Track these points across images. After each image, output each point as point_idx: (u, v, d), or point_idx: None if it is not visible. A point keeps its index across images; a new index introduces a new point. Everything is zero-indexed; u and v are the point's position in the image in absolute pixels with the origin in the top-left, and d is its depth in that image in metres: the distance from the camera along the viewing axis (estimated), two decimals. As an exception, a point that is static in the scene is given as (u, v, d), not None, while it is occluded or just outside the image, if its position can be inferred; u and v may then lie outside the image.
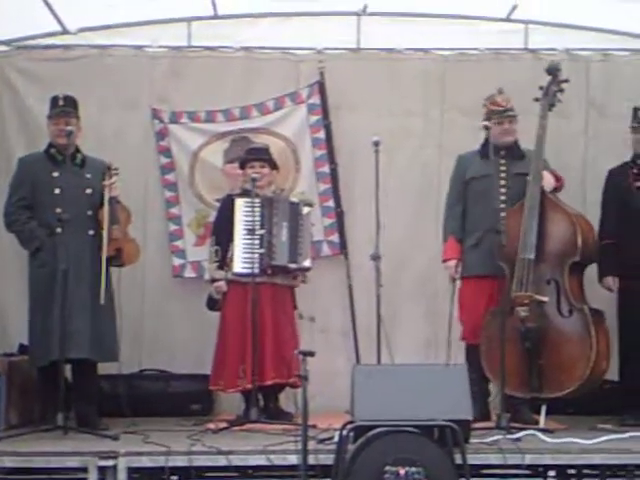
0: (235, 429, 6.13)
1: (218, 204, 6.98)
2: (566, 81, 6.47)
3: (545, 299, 6.21)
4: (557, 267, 6.28)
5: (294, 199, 6.86)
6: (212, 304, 6.72)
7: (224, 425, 6.18)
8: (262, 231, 6.52)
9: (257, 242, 6.50)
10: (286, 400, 6.70)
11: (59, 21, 7.30)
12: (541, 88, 6.49)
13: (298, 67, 7.58)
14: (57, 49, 7.51)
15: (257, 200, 6.58)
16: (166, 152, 7.45)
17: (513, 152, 6.54)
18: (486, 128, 6.50)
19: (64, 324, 6.05)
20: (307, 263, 6.70)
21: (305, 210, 6.76)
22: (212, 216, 7.17)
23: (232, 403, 6.71)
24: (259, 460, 5.42)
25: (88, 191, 6.39)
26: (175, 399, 6.91)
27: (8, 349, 6.84)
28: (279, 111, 7.48)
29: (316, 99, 7.47)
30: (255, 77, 7.52)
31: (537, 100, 6.48)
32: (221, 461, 5.39)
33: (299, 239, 6.65)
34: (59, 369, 6.02)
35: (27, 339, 6.46)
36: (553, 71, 6.48)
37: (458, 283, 6.59)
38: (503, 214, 6.34)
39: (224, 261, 6.60)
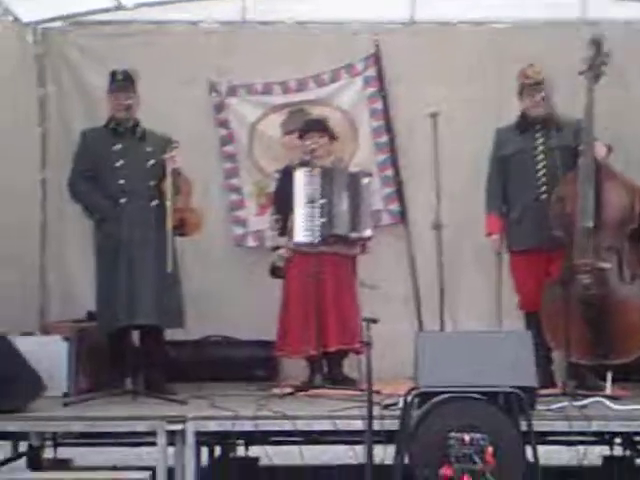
0: (300, 394, 6.17)
1: (277, 175, 7.01)
2: (608, 55, 6.40)
3: (608, 265, 6.18)
4: (617, 234, 6.25)
5: (354, 169, 6.89)
6: (275, 272, 6.76)
7: (289, 390, 6.22)
8: (323, 200, 6.56)
9: (318, 212, 6.55)
10: (350, 366, 6.73)
11: (115, -5, 7.34)
12: (584, 60, 6.44)
13: (353, 40, 7.60)
14: (113, 25, 7.58)
15: (317, 170, 6.61)
16: (225, 124, 7.50)
17: (549, 124, 6.49)
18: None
19: (131, 292, 6.15)
20: (368, 232, 6.73)
21: (365, 180, 6.78)
22: (272, 187, 7.20)
23: (296, 369, 6.77)
24: (325, 425, 5.45)
25: (150, 162, 6.43)
26: (240, 365, 6.98)
27: (76, 316, 6.94)
28: (335, 83, 7.52)
29: (372, 71, 7.49)
30: (310, 50, 7.56)
31: (581, 73, 6.43)
32: (287, 426, 5.43)
33: (359, 209, 6.69)
34: (127, 335, 6.13)
35: (94, 307, 6.54)
36: (597, 42, 6.43)
37: (505, 257, 6.58)
38: (544, 188, 6.36)
39: (285, 230, 6.65)
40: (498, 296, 6.58)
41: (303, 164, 6.70)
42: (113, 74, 6.59)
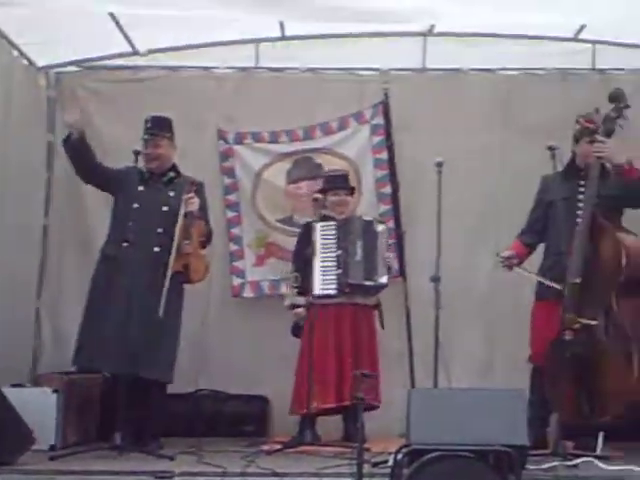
0: (289, 451, 6.13)
1: (280, 224, 7.17)
2: (627, 107, 6.33)
3: (593, 322, 6.11)
4: (605, 290, 6.16)
5: (368, 217, 6.95)
6: (297, 331, 6.74)
7: (278, 447, 6.19)
8: (339, 252, 6.65)
9: (334, 263, 6.64)
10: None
11: (130, 42, 7.41)
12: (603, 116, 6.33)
13: (363, 87, 7.63)
14: (126, 70, 7.67)
15: (332, 222, 6.74)
16: (230, 172, 7.54)
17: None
18: (550, 149, 6.40)
19: (125, 340, 6.09)
20: (384, 280, 6.78)
21: (380, 228, 6.84)
22: (272, 236, 7.33)
23: (286, 425, 6.71)
24: (313, 482, 5.42)
25: (164, 208, 6.41)
26: (229, 420, 6.94)
27: (68, 368, 6.89)
28: (343, 131, 7.53)
29: (380, 119, 7.49)
30: (320, 97, 7.59)
31: (595, 131, 6.34)
32: (274, 483, 5.40)
33: (374, 256, 6.75)
34: (118, 388, 6.06)
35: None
36: (615, 98, 6.36)
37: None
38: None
39: (304, 288, 6.65)
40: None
41: (323, 219, 6.80)
42: (145, 122, 6.56)
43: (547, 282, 6.22)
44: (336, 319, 6.68)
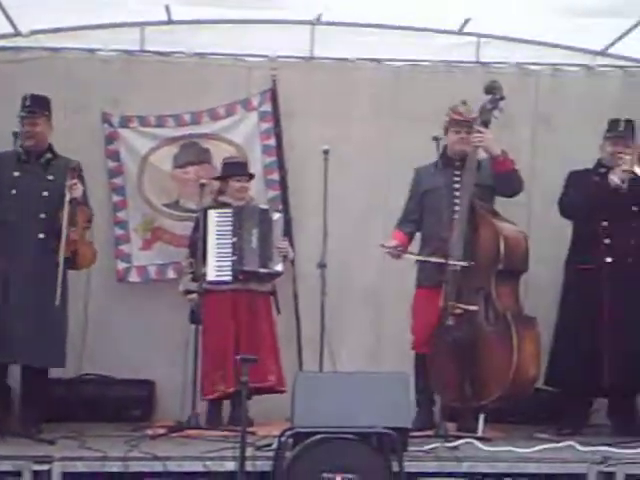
0: (174, 435, 6.09)
1: (166, 209, 7.09)
2: (503, 99, 6.49)
3: (473, 308, 6.25)
4: (485, 276, 6.31)
5: (264, 206, 6.96)
6: (194, 317, 6.65)
7: (162, 431, 6.15)
8: (234, 239, 6.65)
9: (229, 250, 6.62)
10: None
11: (12, 23, 7.24)
12: (480, 108, 6.52)
13: (250, 74, 7.59)
14: (7, 51, 7.46)
15: (228, 210, 6.72)
16: (114, 156, 7.41)
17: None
18: (435, 139, 6.51)
19: (10, 328, 6.02)
20: (279, 268, 6.80)
21: (275, 216, 6.85)
22: (159, 221, 7.25)
23: (172, 410, 6.64)
24: (196, 466, 5.37)
25: (45, 193, 6.30)
26: (115, 404, 6.85)
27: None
28: (230, 117, 7.48)
29: (267, 106, 7.47)
30: (207, 83, 7.52)
31: (473, 119, 6.52)
32: (157, 467, 5.34)
33: (269, 244, 6.76)
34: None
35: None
36: (490, 90, 6.52)
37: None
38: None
39: (198, 274, 6.61)
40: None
41: (219, 206, 6.79)
42: (23, 99, 6.45)
43: (441, 261, 6.30)
44: (233, 306, 6.68)
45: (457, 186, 6.47)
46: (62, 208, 6.16)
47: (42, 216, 6.27)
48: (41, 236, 6.24)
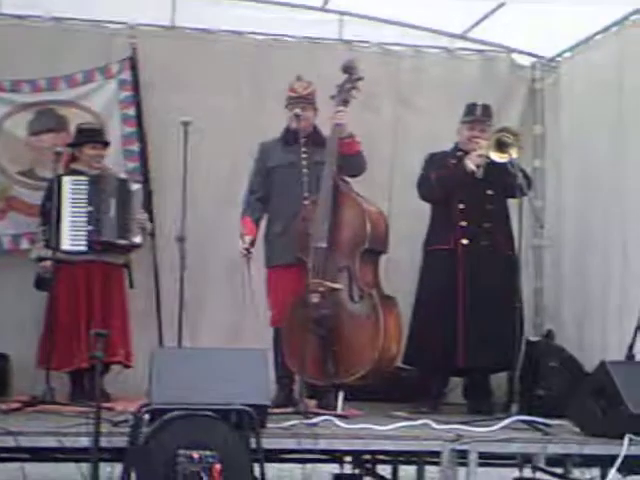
0: (28, 410, 5.92)
1: (20, 177, 6.87)
2: (360, 79, 6.53)
3: (338, 286, 6.29)
4: (349, 255, 6.37)
5: (122, 176, 6.81)
6: (41, 284, 6.51)
7: (16, 405, 5.97)
8: (90, 208, 6.50)
9: (85, 219, 6.48)
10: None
11: None
12: (337, 86, 6.54)
13: (110, 41, 7.43)
14: None
15: (84, 178, 6.55)
16: (-35, 121, 7.18)
17: (313, 139, 6.53)
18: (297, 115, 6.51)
19: None
20: (137, 239, 6.68)
21: (134, 187, 6.72)
22: (13, 190, 7.03)
23: (27, 384, 6.46)
24: (50, 442, 5.22)
25: None
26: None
27: None
28: (88, 85, 7.29)
29: (127, 75, 7.31)
30: (65, 49, 7.33)
31: (332, 97, 6.54)
32: (9, 442, 5.15)
33: (128, 215, 6.63)
34: None
35: None
36: (348, 69, 6.56)
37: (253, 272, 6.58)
38: (306, 202, 6.36)
39: (51, 241, 6.39)
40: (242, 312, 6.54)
41: (72, 173, 6.61)
42: None
43: None
44: (86, 277, 6.55)
45: (305, 163, 6.46)
46: None
47: None
48: None
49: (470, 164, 6.60)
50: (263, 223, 6.72)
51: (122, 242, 6.60)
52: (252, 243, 6.57)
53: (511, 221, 6.78)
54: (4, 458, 5.81)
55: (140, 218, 6.75)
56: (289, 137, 6.58)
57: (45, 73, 7.25)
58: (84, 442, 5.16)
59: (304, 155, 6.46)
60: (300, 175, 6.39)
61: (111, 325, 6.44)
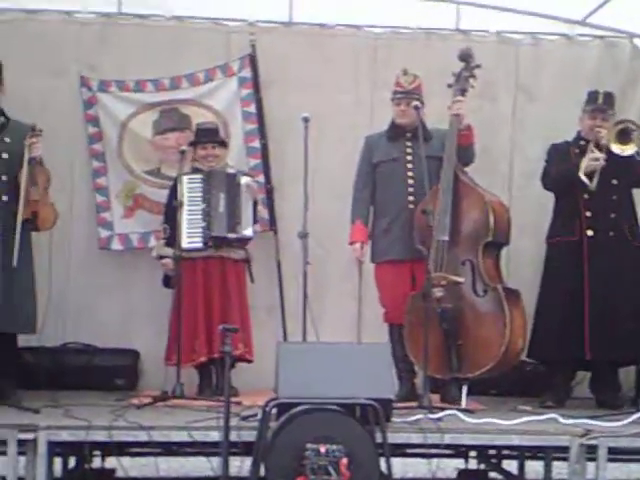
0: (159, 405, 6.09)
1: (147, 176, 7.03)
2: (478, 66, 6.49)
3: (461, 280, 6.26)
4: (471, 248, 6.34)
5: (231, 170, 6.89)
6: (167, 281, 6.68)
7: (148, 400, 6.14)
8: (203, 205, 6.63)
9: (199, 216, 6.62)
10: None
11: (-15, -17, 7.16)
12: (454, 74, 6.51)
13: (229, 38, 7.51)
14: (-19, 13, 7.34)
15: (198, 175, 6.69)
16: (94, 121, 7.33)
17: (418, 134, 6.41)
18: (415, 108, 6.47)
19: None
20: (248, 232, 6.75)
21: (243, 180, 6.78)
22: (140, 188, 7.19)
23: (157, 379, 6.63)
24: (181, 436, 5.38)
25: (4, 156, 6.23)
26: (99, 373, 6.86)
27: None
28: (209, 83, 7.39)
29: (247, 72, 7.39)
30: (185, 47, 7.43)
31: (450, 86, 6.51)
32: (142, 437, 5.34)
33: (237, 209, 6.71)
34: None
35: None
36: (465, 57, 6.52)
37: (371, 267, 6.62)
38: (411, 198, 6.39)
39: (172, 239, 6.59)
40: (360, 308, 6.58)
41: (194, 172, 6.76)
42: None
43: None
44: (204, 273, 6.68)
45: (410, 158, 6.47)
46: (22, 169, 6.09)
47: (4, 179, 6.22)
48: (5, 199, 6.20)
49: (582, 176, 6.44)
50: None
51: (232, 236, 6.68)
52: (363, 247, 6.60)
53: (637, 212, 6.66)
54: (137, 452, 5.99)
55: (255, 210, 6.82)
56: (394, 132, 6.57)
57: (166, 72, 7.38)
58: (214, 436, 5.30)
59: (409, 150, 6.47)
60: (405, 170, 6.40)
61: (230, 320, 6.51)
